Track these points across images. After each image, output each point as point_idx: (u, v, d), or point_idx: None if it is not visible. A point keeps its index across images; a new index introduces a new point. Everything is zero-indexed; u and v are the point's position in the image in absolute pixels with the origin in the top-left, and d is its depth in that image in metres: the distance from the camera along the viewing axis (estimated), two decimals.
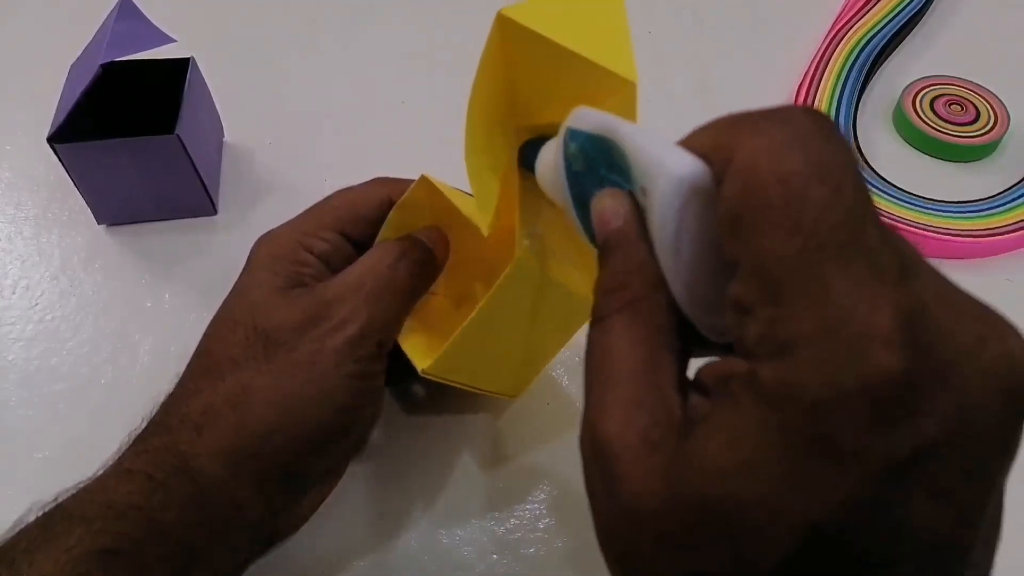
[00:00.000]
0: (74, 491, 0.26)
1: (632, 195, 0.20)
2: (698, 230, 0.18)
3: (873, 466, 0.14)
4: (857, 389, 0.14)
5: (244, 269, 0.31)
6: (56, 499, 0.26)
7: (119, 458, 0.28)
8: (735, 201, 0.16)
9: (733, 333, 0.16)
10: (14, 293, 0.42)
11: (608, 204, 0.20)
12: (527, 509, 0.34)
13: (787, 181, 0.15)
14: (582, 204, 0.22)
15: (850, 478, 0.14)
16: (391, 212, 0.32)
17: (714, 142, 0.17)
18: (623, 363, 0.18)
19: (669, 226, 0.18)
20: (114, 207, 0.44)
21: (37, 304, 0.42)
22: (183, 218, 0.45)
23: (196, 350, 0.30)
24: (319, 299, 0.29)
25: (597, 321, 0.19)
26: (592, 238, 0.22)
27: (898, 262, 0.15)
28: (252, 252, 0.31)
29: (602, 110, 0.21)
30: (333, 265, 0.31)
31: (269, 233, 0.32)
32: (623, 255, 0.19)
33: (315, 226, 0.31)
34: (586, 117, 0.21)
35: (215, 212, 0.45)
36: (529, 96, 0.26)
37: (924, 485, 0.14)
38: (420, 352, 0.31)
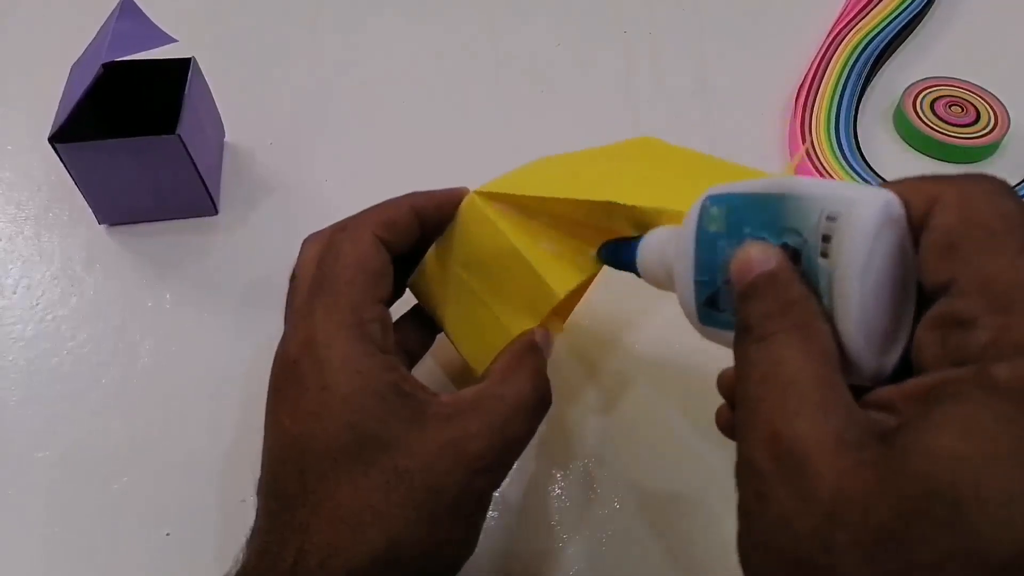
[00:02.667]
0: None
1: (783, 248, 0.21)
2: (885, 256, 0.20)
3: None
4: None
5: (326, 365, 0.26)
6: None
7: None
8: (950, 229, 0.18)
9: (930, 351, 0.18)
10: (15, 293, 0.42)
11: (756, 251, 0.21)
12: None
13: (1007, 216, 0.18)
14: (708, 268, 0.23)
15: None
16: (450, 237, 0.32)
17: (909, 188, 0.20)
18: (802, 373, 0.19)
19: (863, 248, 0.19)
20: (115, 207, 0.44)
21: (38, 304, 0.42)
22: (184, 218, 0.45)
23: (307, 493, 0.25)
24: (463, 432, 0.26)
25: (758, 340, 0.20)
26: (703, 306, 0.23)
27: None
28: (324, 336, 0.27)
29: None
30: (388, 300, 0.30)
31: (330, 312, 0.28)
32: (781, 289, 0.20)
33: (365, 297, 0.28)
34: (742, 184, 0.23)
35: (216, 212, 0.45)
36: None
37: None
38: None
